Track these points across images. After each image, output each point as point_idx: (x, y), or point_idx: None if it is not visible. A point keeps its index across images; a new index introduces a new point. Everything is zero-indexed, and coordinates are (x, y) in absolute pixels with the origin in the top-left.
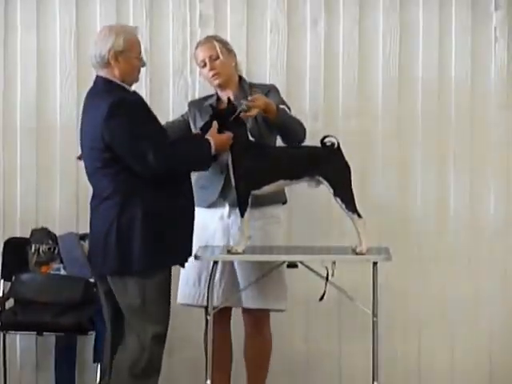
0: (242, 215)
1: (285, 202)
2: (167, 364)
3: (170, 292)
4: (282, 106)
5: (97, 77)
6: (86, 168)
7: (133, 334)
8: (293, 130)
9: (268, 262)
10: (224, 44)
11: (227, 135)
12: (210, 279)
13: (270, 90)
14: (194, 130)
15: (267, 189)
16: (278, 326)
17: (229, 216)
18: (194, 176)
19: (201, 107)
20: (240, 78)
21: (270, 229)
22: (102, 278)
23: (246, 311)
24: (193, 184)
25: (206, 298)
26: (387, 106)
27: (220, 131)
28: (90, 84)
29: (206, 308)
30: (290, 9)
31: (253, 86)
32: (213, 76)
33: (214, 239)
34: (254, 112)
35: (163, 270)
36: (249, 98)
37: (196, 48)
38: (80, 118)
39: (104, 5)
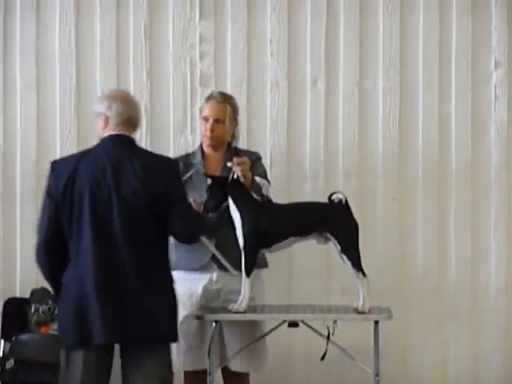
0: (248, 275)
1: (266, 266)
2: None
3: None
4: (258, 179)
5: (127, 136)
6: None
7: None
8: None
9: (258, 324)
10: (234, 111)
11: None
12: (211, 339)
13: (257, 159)
14: None
15: (277, 247)
16: None
17: (217, 281)
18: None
19: (185, 162)
20: (229, 143)
21: (254, 290)
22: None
23: (227, 371)
24: (175, 247)
25: (192, 361)
26: (387, 165)
27: (223, 197)
28: (90, 142)
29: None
30: (290, 68)
31: (239, 152)
32: (208, 136)
33: (201, 306)
34: (248, 176)
35: None
36: (237, 160)
37: (208, 99)
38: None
39: (104, 66)
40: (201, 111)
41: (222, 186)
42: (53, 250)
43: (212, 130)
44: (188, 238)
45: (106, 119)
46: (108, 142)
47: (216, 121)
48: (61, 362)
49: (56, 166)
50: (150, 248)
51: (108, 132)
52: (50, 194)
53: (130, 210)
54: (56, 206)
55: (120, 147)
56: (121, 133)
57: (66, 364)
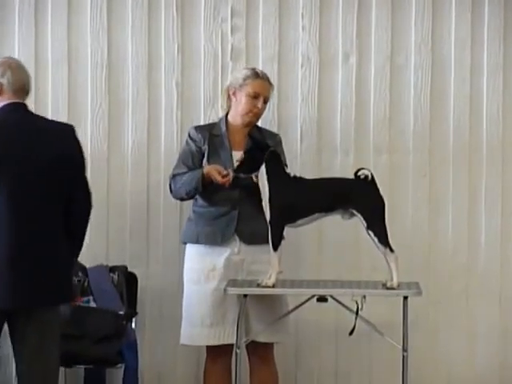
0: (276, 249)
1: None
2: None
3: None
4: None
5: (22, 103)
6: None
7: None
8: None
9: (283, 297)
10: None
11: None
12: (239, 313)
13: (279, 142)
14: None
15: (302, 222)
16: (307, 359)
17: (238, 252)
18: (196, 214)
19: (207, 134)
20: None
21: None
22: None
23: (251, 345)
24: (195, 222)
25: (216, 336)
26: (418, 141)
27: (260, 163)
28: (121, 116)
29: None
30: (322, 43)
31: (262, 132)
32: (253, 114)
33: (225, 278)
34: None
35: None
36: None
37: (255, 76)
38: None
39: (135, 40)
40: (241, 86)
41: (261, 153)
42: None
43: (261, 109)
44: (87, 213)
45: (1, 87)
46: (12, 111)
47: (265, 99)
48: None
49: None
50: (53, 214)
51: (4, 100)
52: None
53: (42, 176)
54: None
55: (22, 115)
56: (17, 100)
57: None
